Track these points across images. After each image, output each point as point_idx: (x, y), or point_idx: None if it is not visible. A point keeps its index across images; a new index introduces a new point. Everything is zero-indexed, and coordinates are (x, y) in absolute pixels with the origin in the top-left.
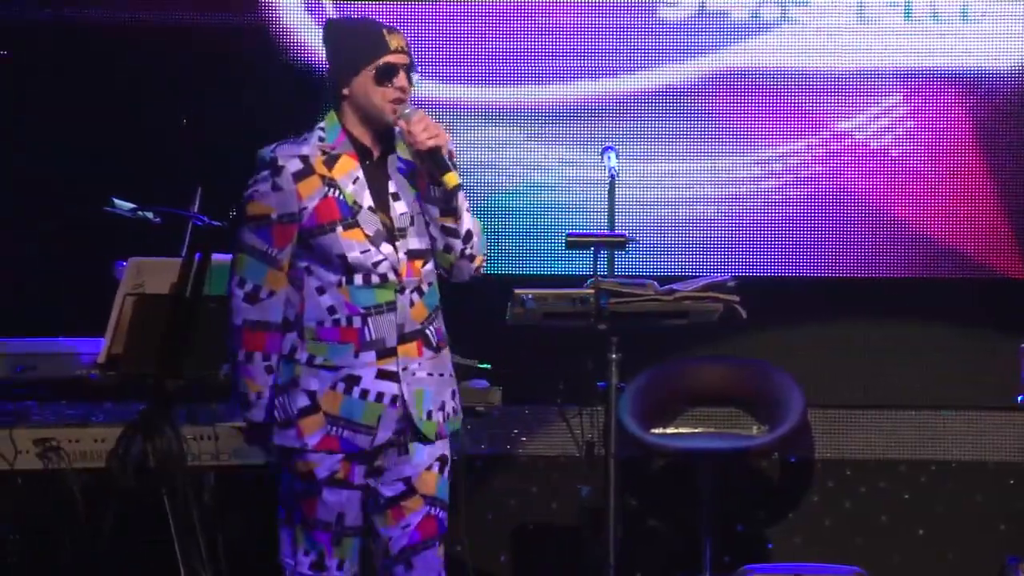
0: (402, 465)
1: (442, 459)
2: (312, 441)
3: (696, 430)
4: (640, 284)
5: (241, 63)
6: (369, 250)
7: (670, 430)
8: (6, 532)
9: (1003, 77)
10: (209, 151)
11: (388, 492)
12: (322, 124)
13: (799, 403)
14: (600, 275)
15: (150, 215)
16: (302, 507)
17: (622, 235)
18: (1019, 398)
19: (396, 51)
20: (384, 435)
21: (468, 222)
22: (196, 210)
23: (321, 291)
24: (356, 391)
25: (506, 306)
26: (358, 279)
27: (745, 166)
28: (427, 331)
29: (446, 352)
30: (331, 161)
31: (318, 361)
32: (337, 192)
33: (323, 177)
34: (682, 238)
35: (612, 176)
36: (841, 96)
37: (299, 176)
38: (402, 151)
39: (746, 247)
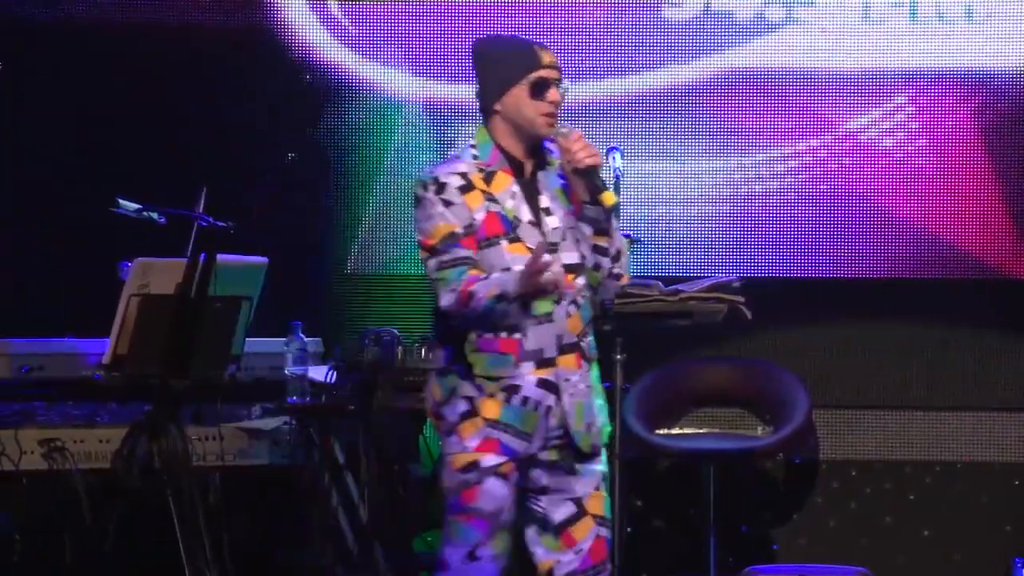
0: (571, 484)
1: (604, 476)
2: (472, 444)
3: (701, 431)
4: (645, 285)
5: (245, 64)
6: None
7: (675, 431)
8: (11, 532)
9: (1009, 78)
10: (214, 151)
11: (558, 516)
12: (472, 141)
13: (804, 404)
14: None
15: (155, 215)
16: (461, 498)
17: (627, 235)
18: None
19: (548, 66)
20: (539, 444)
21: (618, 241)
22: (201, 211)
23: None
24: (516, 399)
25: None
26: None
27: (749, 167)
28: (582, 344)
29: (596, 366)
30: (488, 177)
31: (478, 371)
32: (498, 207)
33: (484, 192)
34: (688, 239)
35: (617, 177)
36: (846, 97)
37: (463, 190)
38: (552, 166)
39: (751, 248)
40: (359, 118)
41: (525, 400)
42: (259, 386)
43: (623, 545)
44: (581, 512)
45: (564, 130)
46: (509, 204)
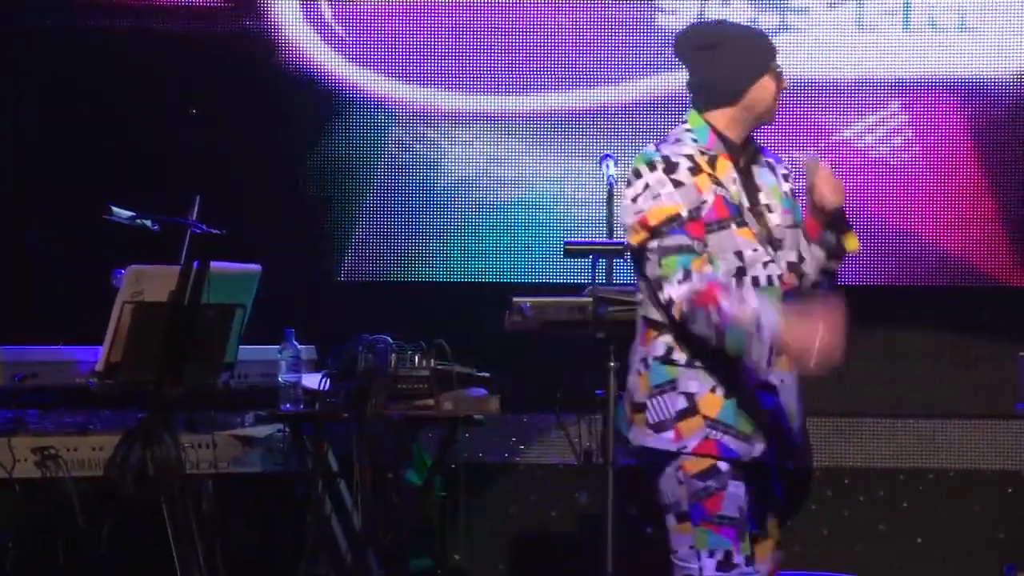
0: (766, 499)
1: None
2: (691, 444)
3: None
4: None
5: (238, 71)
6: (758, 249)
7: None
8: (3, 540)
9: (1001, 86)
10: (207, 158)
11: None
12: (687, 127)
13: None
14: (598, 283)
15: (149, 223)
16: (703, 505)
17: (620, 243)
18: (1018, 406)
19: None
20: (760, 447)
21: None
22: (195, 218)
23: None
24: (734, 398)
25: (504, 314)
26: (747, 281)
27: None
28: None
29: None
30: (711, 161)
31: (699, 364)
32: (724, 191)
33: (710, 176)
34: None
35: (611, 184)
36: (839, 105)
37: (693, 172)
38: (762, 161)
39: None
40: (353, 125)
41: (745, 400)
42: (253, 393)
43: (615, 553)
44: (764, 534)
45: (812, 162)
46: (733, 189)
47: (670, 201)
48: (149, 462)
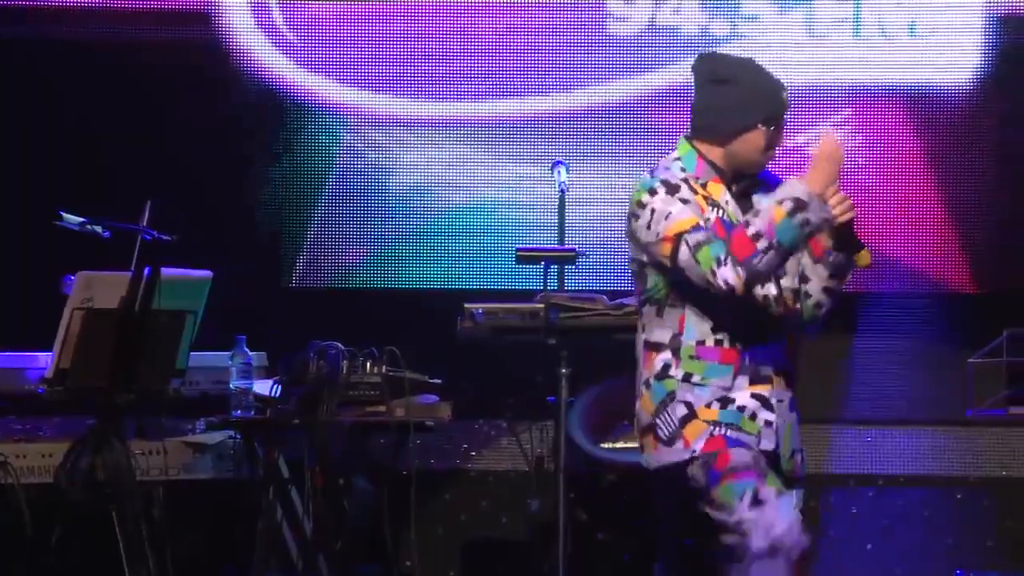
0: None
1: (803, 512)
2: (699, 445)
3: None
4: (590, 298)
5: (189, 76)
6: None
7: (619, 444)
8: None
9: (950, 91)
10: (162, 164)
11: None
12: (675, 155)
13: None
14: (550, 290)
15: (99, 229)
16: (714, 468)
17: (572, 249)
18: (968, 412)
19: (786, 112)
20: (768, 443)
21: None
22: (145, 224)
23: (704, 310)
24: (732, 406)
25: (456, 321)
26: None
27: None
28: (789, 368)
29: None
30: (704, 186)
31: (695, 379)
32: (721, 212)
33: (706, 197)
34: None
35: (562, 190)
36: (792, 110)
37: (693, 192)
38: (758, 184)
39: None
40: (304, 132)
41: (742, 408)
42: (203, 400)
43: (567, 558)
44: None
45: (825, 137)
46: (729, 209)
47: (684, 215)
48: (99, 469)
